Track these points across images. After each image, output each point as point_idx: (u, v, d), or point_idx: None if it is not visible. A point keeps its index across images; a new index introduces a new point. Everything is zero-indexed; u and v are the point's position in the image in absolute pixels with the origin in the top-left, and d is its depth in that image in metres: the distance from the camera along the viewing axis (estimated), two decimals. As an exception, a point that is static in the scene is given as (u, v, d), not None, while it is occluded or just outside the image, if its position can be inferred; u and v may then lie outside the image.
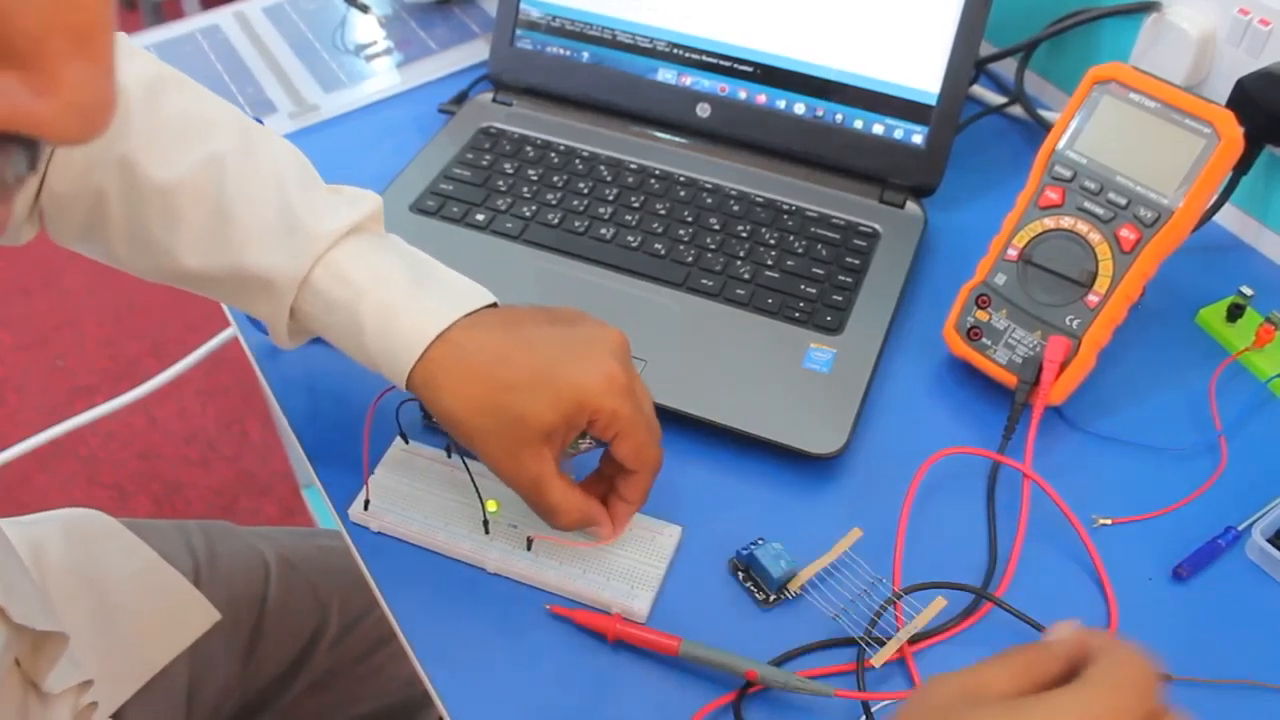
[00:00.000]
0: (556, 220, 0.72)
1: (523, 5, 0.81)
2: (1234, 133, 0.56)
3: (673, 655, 0.51)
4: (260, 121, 0.67)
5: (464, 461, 0.56)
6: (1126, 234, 0.58)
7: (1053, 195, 0.61)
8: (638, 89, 0.79)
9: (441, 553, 0.56)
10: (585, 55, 0.80)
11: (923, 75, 0.73)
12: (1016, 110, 0.84)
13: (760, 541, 0.55)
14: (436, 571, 0.55)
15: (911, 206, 0.74)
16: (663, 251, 0.70)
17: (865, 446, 0.61)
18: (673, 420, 0.60)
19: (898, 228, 0.73)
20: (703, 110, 0.78)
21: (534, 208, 0.73)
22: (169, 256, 0.53)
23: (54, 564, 0.64)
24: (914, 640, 0.52)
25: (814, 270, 0.69)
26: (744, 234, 0.72)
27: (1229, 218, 0.75)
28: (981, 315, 0.63)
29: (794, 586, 0.54)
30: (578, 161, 0.77)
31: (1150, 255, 0.58)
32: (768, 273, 0.69)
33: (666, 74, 0.78)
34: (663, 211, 0.73)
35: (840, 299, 0.67)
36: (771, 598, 0.54)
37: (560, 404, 0.48)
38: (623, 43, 0.79)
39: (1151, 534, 0.58)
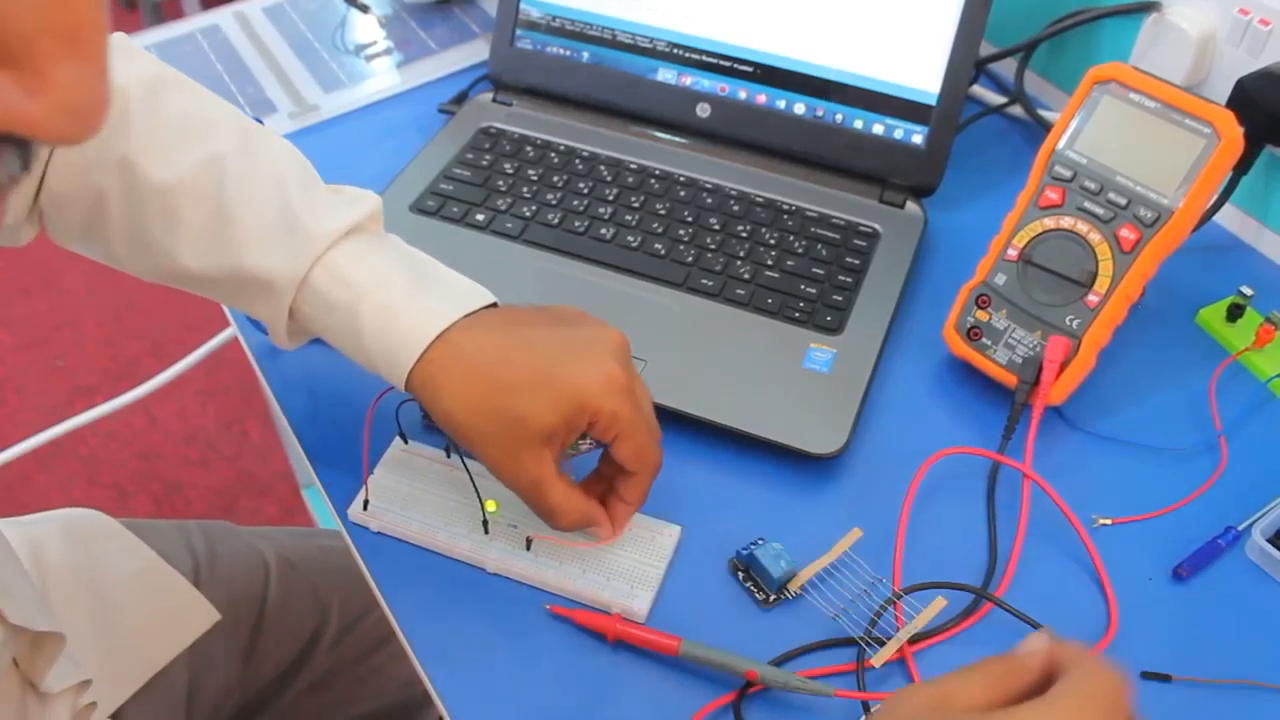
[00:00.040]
0: (556, 220, 0.72)
1: (523, 5, 0.81)
2: (1234, 133, 0.56)
3: (673, 655, 0.51)
4: (260, 121, 0.67)
5: (463, 461, 0.56)
6: (1126, 234, 0.58)
7: (1053, 195, 0.61)
8: (638, 89, 0.79)
9: (441, 552, 0.56)
10: (585, 55, 0.80)
11: (923, 75, 0.73)
12: (1016, 110, 0.84)
13: (760, 541, 0.55)
14: (436, 571, 0.55)
15: (911, 206, 0.74)
16: (663, 251, 0.70)
17: (865, 446, 0.61)
18: (673, 420, 0.60)
19: (898, 228, 0.73)
20: (703, 110, 0.78)
21: (534, 208, 0.73)
22: (168, 257, 0.53)
23: (53, 564, 0.64)
24: (914, 640, 0.52)
25: (814, 270, 0.69)
26: (744, 234, 0.72)
27: (1229, 218, 0.75)
28: (981, 315, 0.62)
29: (794, 586, 0.54)
30: (578, 161, 0.77)
31: (1150, 255, 0.58)
32: (768, 273, 0.69)
33: (666, 74, 0.78)
34: (663, 211, 0.73)
35: (840, 299, 0.67)
36: (771, 598, 0.54)
37: (560, 405, 0.48)
38: (623, 43, 0.79)
39: (1151, 534, 0.58)
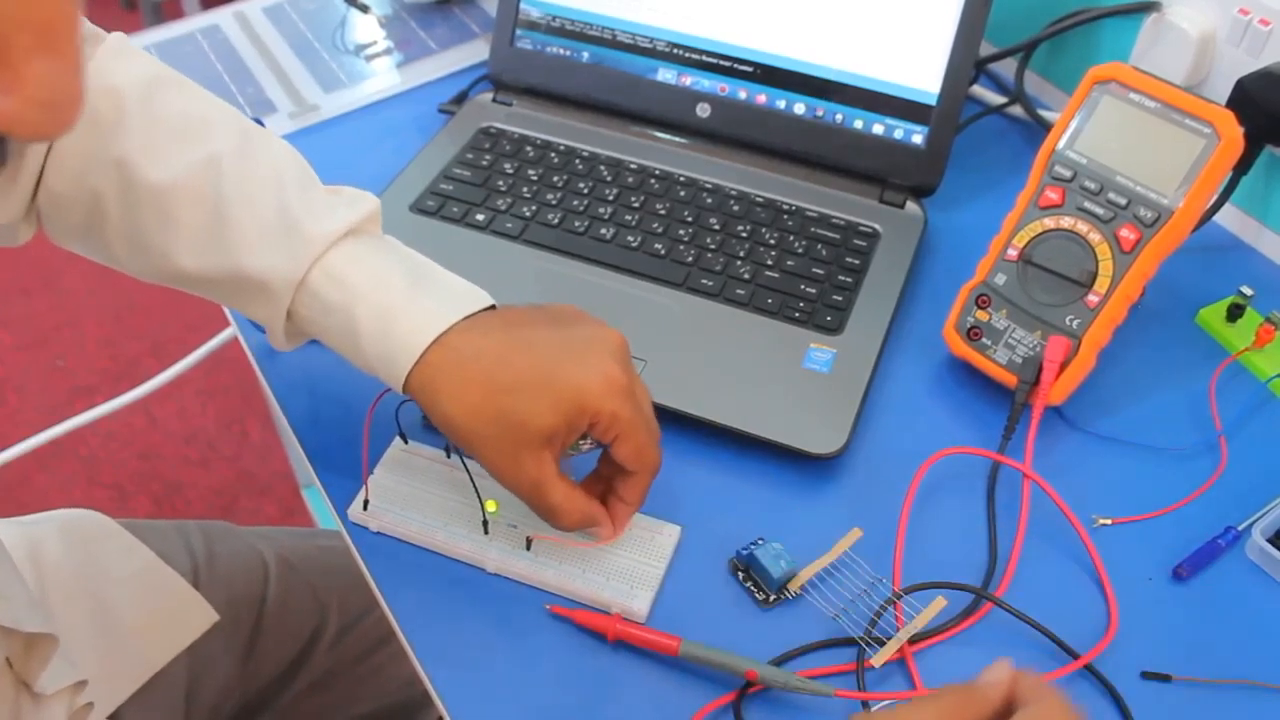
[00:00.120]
0: (556, 220, 0.72)
1: (523, 5, 0.81)
2: (1234, 133, 0.56)
3: (673, 655, 0.51)
4: (260, 122, 0.67)
5: (463, 461, 0.56)
6: (1126, 234, 0.58)
7: (1053, 195, 0.61)
8: (638, 89, 0.79)
9: (441, 552, 0.56)
10: (585, 55, 0.80)
11: (923, 75, 0.73)
12: (1016, 110, 0.84)
13: (760, 541, 0.55)
14: (436, 571, 0.55)
15: (911, 206, 0.74)
16: (663, 251, 0.70)
17: (865, 446, 0.61)
18: (673, 420, 0.60)
19: (898, 228, 0.73)
20: (703, 110, 0.78)
21: (534, 208, 0.73)
22: (165, 258, 0.53)
23: (52, 564, 0.64)
24: (914, 640, 0.52)
25: (814, 270, 0.69)
26: (744, 234, 0.72)
27: (1229, 218, 0.75)
28: (981, 315, 0.62)
29: (794, 586, 0.54)
30: (578, 161, 0.77)
31: (1150, 255, 0.58)
32: (768, 273, 0.69)
33: (666, 74, 0.78)
34: (663, 211, 0.73)
35: (840, 299, 0.67)
36: (771, 598, 0.54)
37: (560, 407, 0.48)
38: (623, 43, 0.79)
39: (1151, 534, 0.58)
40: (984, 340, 0.62)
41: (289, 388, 0.64)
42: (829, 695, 0.49)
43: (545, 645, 0.53)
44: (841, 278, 0.69)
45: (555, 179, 0.76)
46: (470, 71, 0.88)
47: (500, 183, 0.75)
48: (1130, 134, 0.59)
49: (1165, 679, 0.51)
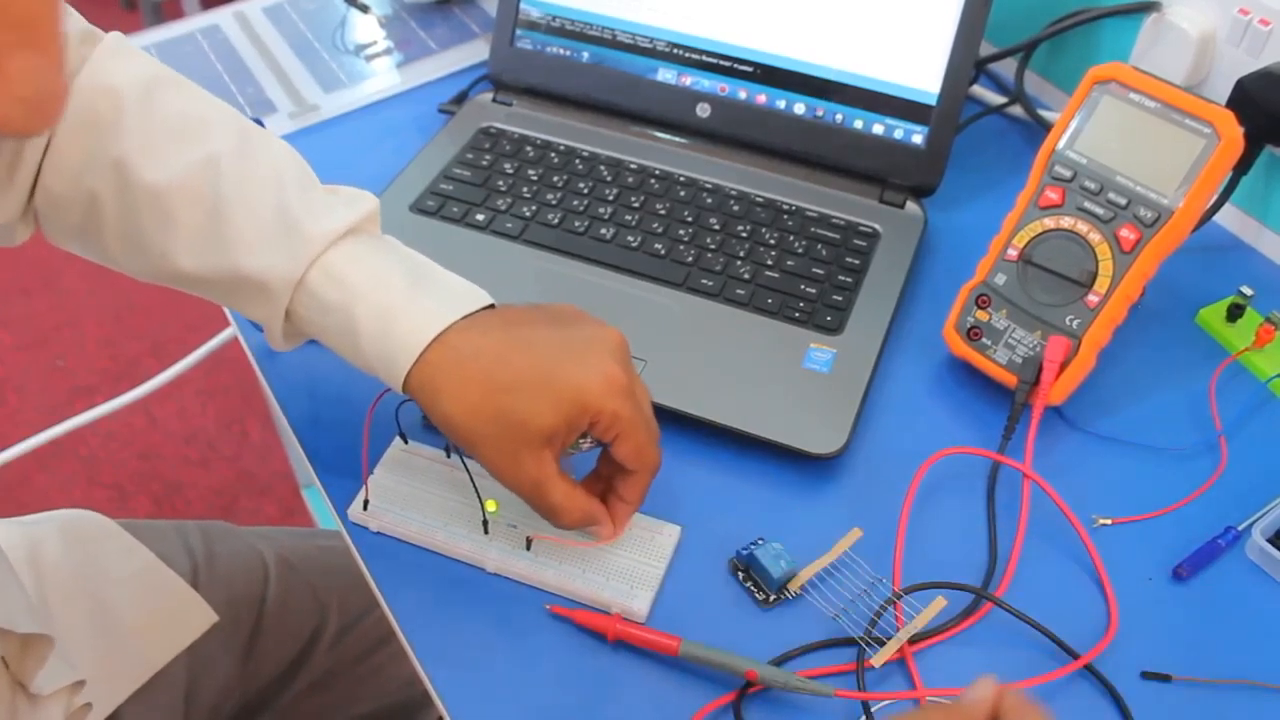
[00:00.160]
0: (556, 220, 0.72)
1: (523, 5, 0.81)
2: (1234, 133, 0.56)
3: (673, 655, 0.51)
4: (260, 122, 0.67)
5: (463, 461, 0.56)
6: (1126, 234, 0.58)
7: (1053, 195, 0.61)
8: (638, 89, 0.79)
9: (441, 552, 0.56)
10: (585, 55, 0.80)
11: (923, 75, 0.73)
12: (1016, 110, 0.84)
13: (760, 541, 0.55)
14: (436, 571, 0.55)
15: (911, 206, 0.74)
16: (663, 251, 0.70)
17: (865, 446, 0.61)
18: (673, 420, 0.60)
19: (898, 228, 0.73)
20: (703, 110, 0.78)
21: (534, 208, 0.73)
22: (163, 258, 0.52)
23: (51, 565, 0.64)
24: (914, 640, 0.52)
25: (814, 270, 0.69)
26: (744, 234, 0.72)
27: (1229, 218, 0.75)
28: (981, 315, 0.62)
29: (794, 586, 0.54)
30: (578, 161, 0.77)
31: (1150, 255, 0.58)
32: (768, 273, 0.69)
33: (666, 74, 0.78)
34: (663, 211, 0.73)
35: (840, 299, 0.67)
36: (771, 598, 0.54)
37: (561, 406, 0.48)
38: (623, 43, 0.79)
39: (1151, 534, 0.58)
40: (984, 340, 0.62)
41: (289, 388, 0.64)
42: (829, 695, 0.49)
43: (545, 645, 0.53)
44: (841, 278, 0.69)
45: (555, 179, 0.76)
46: (470, 71, 0.88)
47: (500, 183, 0.75)
48: (1130, 134, 0.59)
49: (1165, 679, 0.51)
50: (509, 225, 0.72)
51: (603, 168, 0.76)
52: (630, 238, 0.71)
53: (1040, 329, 0.60)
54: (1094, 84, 0.60)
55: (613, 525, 0.53)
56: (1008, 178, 0.76)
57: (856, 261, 0.70)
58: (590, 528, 0.53)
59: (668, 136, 0.79)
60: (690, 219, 0.73)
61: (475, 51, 0.90)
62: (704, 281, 0.68)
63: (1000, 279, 0.62)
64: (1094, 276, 0.59)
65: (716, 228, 0.72)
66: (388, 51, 0.91)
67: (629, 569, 0.54)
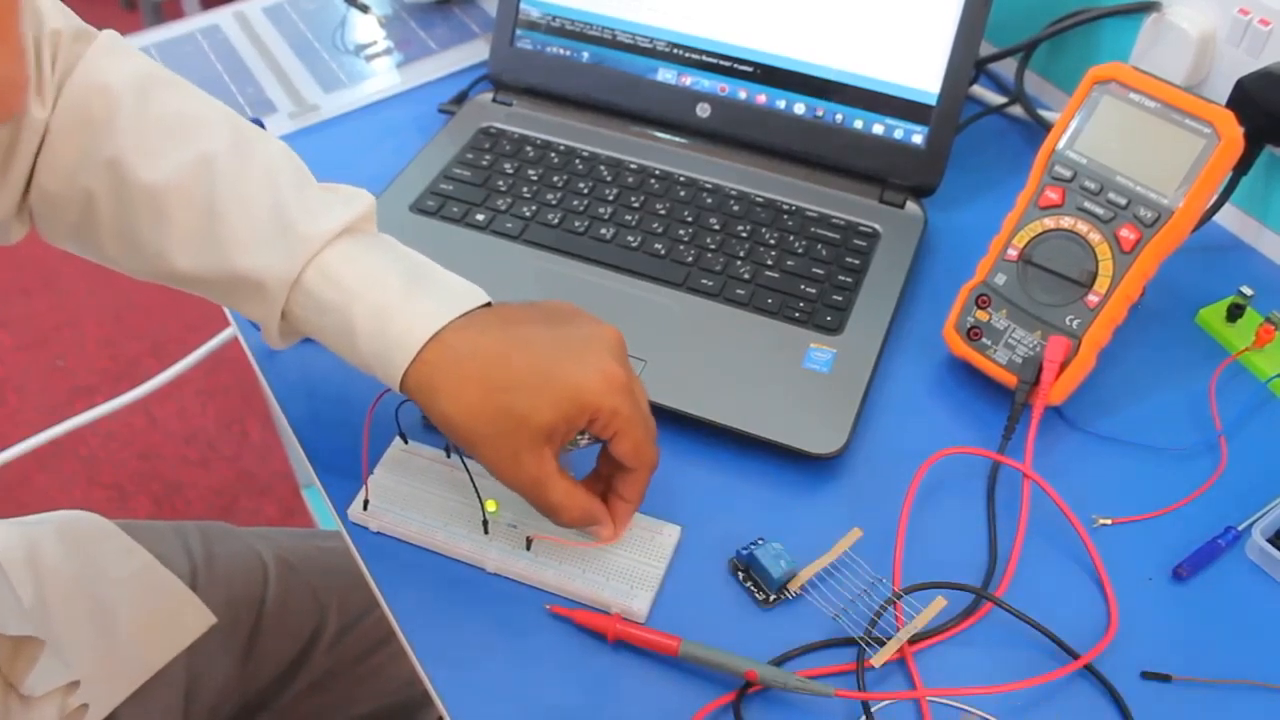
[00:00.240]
0: (556, 220, 0.72)
1: (523, 5, 0.81)
2: (1234, 133, 0.56)
3: (673, 655, 0.51)
4: (260, 122, 0.67)
5: (463, 461, 0.56)
6: (1126, 234, 0.58)
7: (1053, 195, 0.61)
8: (638, 89, 0.79)
9: (441, 552, 0.56)
10: (585, 55, 0.80)
11: (923, 75, 0.73)
12: (1016, 110, 0.84)
13: (760, 541, 0.55)
14: (436, 571, 0.55)
15: (911, 206, 0.74)
16: (663, 251, 0.70)
17: (865, 446, 0.61)
18: (672, 420, 0.60)
19: (898, 228, 0.73)
20: (703, 110, 0.78)
21: (534, 208, 0.73)
22: (159, 257, 0.52)
23: (50, 566, 0.64)
24: (914, 640, 0.52)
25: (814, 270, 0.69)
26: (744, 234, 0.72)
27: (1229, 218, 0.75)
28: (981, 315, 0.62)
29: (794, 586, 0.54)
30: (578, 161, 0.77)
31: (1150, 255, 0.58)
32: (768, 273, 0.69)
33: (666, 74, 0.78)
34: (663, 211, 0.73)
35: (840, 299, 0.67)
36: (771, 598, 0.54)
37: (560, 404, 0.48)
38: (623, 43, 0.79)
39: (1151, 534, 0.58)
40: (984, 340, 0.62)
41: (289, 388, 0.64)
42: (829, 695, 0.49)
43: (545, 645, 0.53)
44: (841, 278, 0.69)
45: (555, 179, 0.76)
46: (470, 71, 0.88)
47: (500, 183, 0.75)
48: (1130, 134, 0.59)
49: (1165, 679, 0.51)
50: (509, 225, 0.72)
51: (603, 168, 0.76)
52: (630, 238, 0.71)
53: (1040, 329, 0.60)
54: (1094, 84, 0.60)
55: (613, 524, 0.53)
56: (1008, 178, 0.76)
57: (856, 261, 0.70)
58: (591, 528, 0.53)
59: (668, 136, 0.79)
60: (690, 219, 0.73)
61: (475, 51, 0.90)
62: (704, 281, 0.68)
63: (1000, 279, 0.62)
64: (1094, 276, 0.59)
65: (716, 228, 0.72)
66: (388, 51, 0.91)
67: (629, 569, 0.54)
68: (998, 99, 0.85)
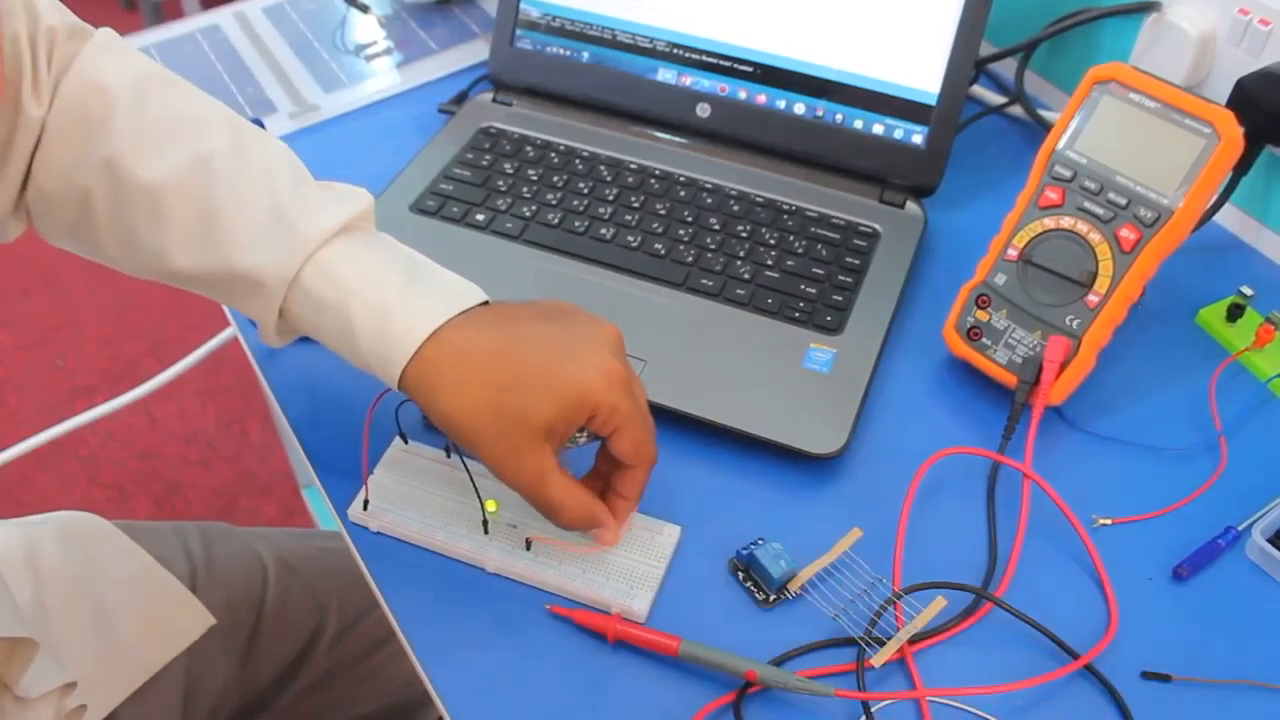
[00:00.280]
0: (556, 220, 0.72)
1: (523, 5, 0.81)
2: (1234, 133, 0.56)
3: (672, 655, 0.51)
4: (260, 122, 0.67)
5: (463, 461, 0.56)
6: (1126, 234, 0.58)
7: (1053, 195, 0.61)
8: (638, 89, 0.79)
9: (441, 552, 0.56)
10: (585, 55, 0.80)
11: (923, 75, 0.73)
12: (1016, 110, 0.84)
13: (760, 541, 0.55)
14: (436, 571, 0.55)
15: (911, 206, 0.74)
16: (663, 251, 0.70)
17: (865, 446, 0.61)
18: (672, 420, 0.60)
19: (898, 228, 0.73)
20: (703, 110, 0.78)
21: (534, 208, 0.73)
22: (157, 256, 0.52)
23: (50, 566, 0.64)
24: (914, 640, 0.52)
25: (814, 270, 0.69)
26: (744, 234, 0.72)
27: (1229, 218, 0.75)
28: (981, 315, 0.62)
29: (794, 586, 0.54)
30: (578, 161, 0.77)
31: (1150, 255, 0.58)
32: (768, 273, 0.69)
33: (666, 74, 0.78)
34: (663, 211, 0.73)
35: (840, 299, 0.67)
36: (771, 598, 0.54)
37: (560, 402, 0.48)
38: (623, 43, 0.79)
39: (1151, 534, 0.57)
40: (984, 340, 0.62)
41: (289, 388, 0.64)
42: (829, 695, 0.49)
43: (545, 645, 0.53)
44: (841, 278, 0.69)
45: (555, 179, 0.76)
46: (470, 71, 0.88)
47: (500, 183, 0.75)
48: (1130, 134, 0.59)
49: (1165, 679, 0.51)
50: (509, 225, 0.72)
51: (603, 168, 0.76)
52: (630, 238, 0.71)
53: (1040, 329, 0.60)
54: (1094, 84, 0.60)
55: (613, 522, 0.53)
56: (1008, 178, 0.76)
57: (856, 261, 0.70)
58: (591, 530, 0.53)
59: (668, 136, 0.79)
60: (690, 219, 0.73)
61: (475, 51, 0.90)
62: (704, 281, 0.68)
63: (1000, 279, 0.62)
64: (1094, 276, 0.59)
65: (716, 228, 0.72)
66: (388, 51, 0.91)
67: (629, 569, 0.54)
68: (998, 99, 0.85)
